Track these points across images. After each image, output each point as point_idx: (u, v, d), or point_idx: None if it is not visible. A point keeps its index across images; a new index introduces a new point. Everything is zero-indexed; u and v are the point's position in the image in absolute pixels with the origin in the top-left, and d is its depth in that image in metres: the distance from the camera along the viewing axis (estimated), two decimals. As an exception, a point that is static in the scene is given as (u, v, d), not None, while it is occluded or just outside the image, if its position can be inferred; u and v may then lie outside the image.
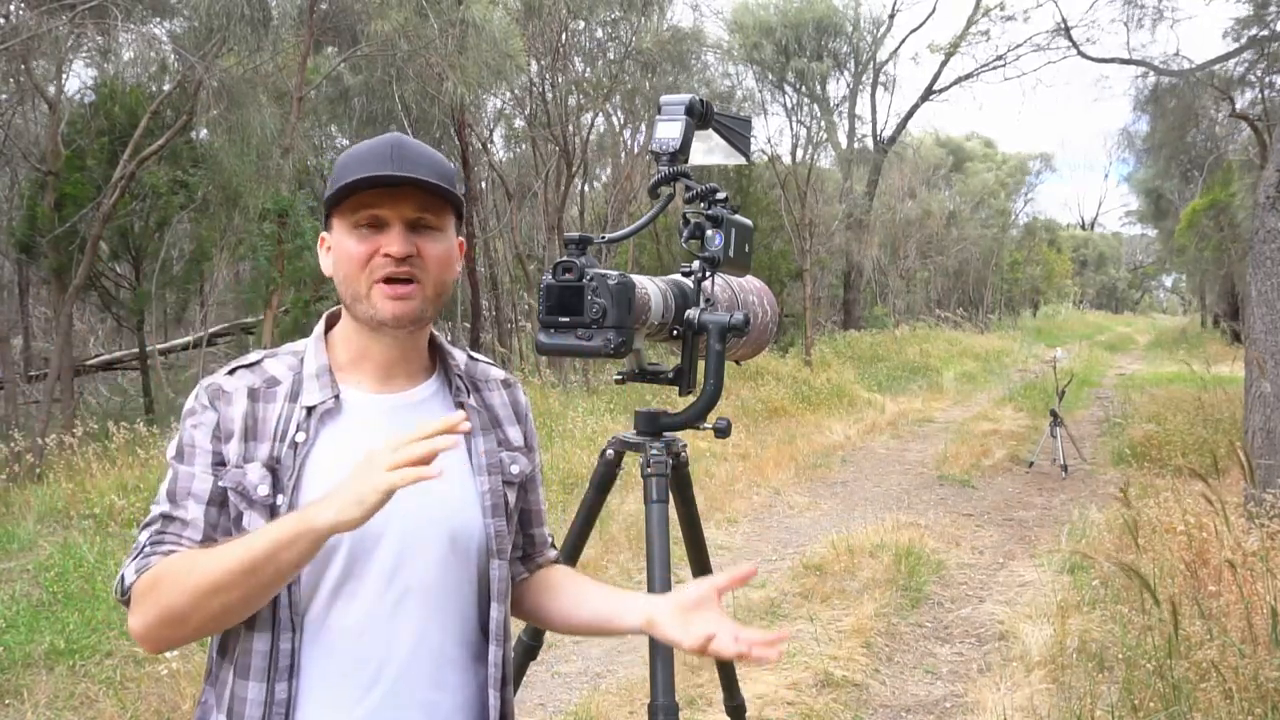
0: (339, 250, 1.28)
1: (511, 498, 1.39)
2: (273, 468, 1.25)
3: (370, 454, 1.11)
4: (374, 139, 1.31)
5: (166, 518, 1.25)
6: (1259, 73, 12.76)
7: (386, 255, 1.25)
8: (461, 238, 1.38)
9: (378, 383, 1.33)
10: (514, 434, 1.44)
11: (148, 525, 1.26)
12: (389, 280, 1.25)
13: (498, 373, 1.49)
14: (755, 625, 4.58)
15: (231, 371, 1.33)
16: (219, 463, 1.26)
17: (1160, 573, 4.01)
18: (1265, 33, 12.02)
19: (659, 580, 1.85)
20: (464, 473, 1.34)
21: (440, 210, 1.29)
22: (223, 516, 1.25)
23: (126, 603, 1.22)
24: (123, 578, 1.23)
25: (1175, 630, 3.06)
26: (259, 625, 1.23)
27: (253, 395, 1.30)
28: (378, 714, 1.25)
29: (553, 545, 1.56)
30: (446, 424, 1.11)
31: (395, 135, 1.31)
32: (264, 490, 1.24)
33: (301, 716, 1.23)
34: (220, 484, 1.25)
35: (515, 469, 1.40)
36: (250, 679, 1.23)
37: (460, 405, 1.37)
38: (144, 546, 1.24)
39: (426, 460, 1.08)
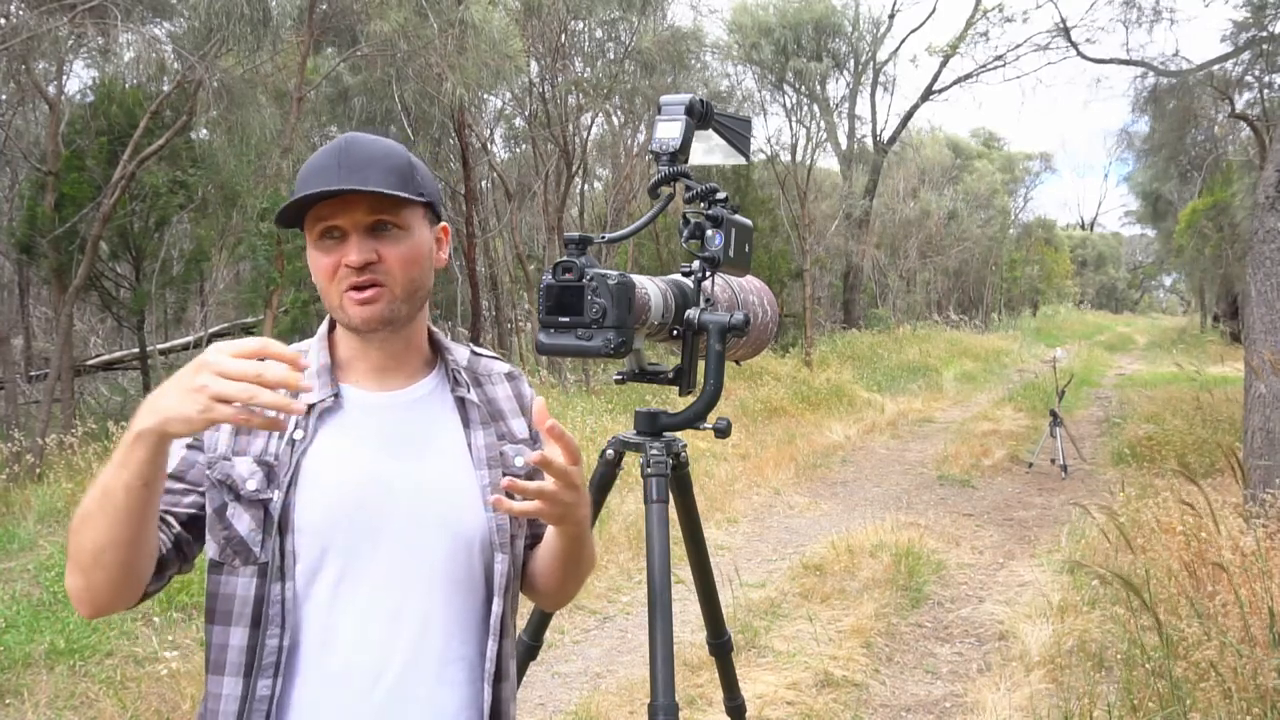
0: (311, 263, 1.30)
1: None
2: (268, 463, 1.26)
3: (204, 360, 1.02)
4: (327, 145, 1.29)
5: None
6: (1257, 72, 12.77)
7: (347, 265, 1.25)
8: (444, 224, 1.37)
9: (374, 382, 1.34)
10: (518, 426, 1.43)
11: None
12: (354, 288, 1.26)
13: (501, 366, 1.49)
14: (755, 626, 4.60)
15: None
16: (195, 445, 1.27)
17: (1150, 575, 4.01)
18: (1263, 33, 12.02)
19: (659, 580, 1.85)
20: (464, 467, 1.34)
21: (398, 208, 1.27)
22: (177, 487, 1.26)
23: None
24: None
25: (1160, 633, 3.06)
26: (236, 620, 1.23)
27: None
28: (382, 712, 1.24)
29: None
30: (293, 359, 1.03)
31: (347, 137, 1.29)
32: (253, 485, 1.24)
33: (304, 716, 1.23)
34: (209, 474, 1.26)
35: (519, 461, 1.40)
36: (225, 674, 1.23)
37: (460, 400, 1.37)
38: None
39: (279, 406, 1.01)
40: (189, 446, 1.28)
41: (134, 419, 1.07)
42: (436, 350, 1.41)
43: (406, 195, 1.26)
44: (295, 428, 1.27)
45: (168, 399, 1.04)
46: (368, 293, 1.25)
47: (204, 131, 10.35)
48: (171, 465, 1.25)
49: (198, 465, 1.28)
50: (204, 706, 1.27)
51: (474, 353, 1.47)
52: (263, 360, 1.03)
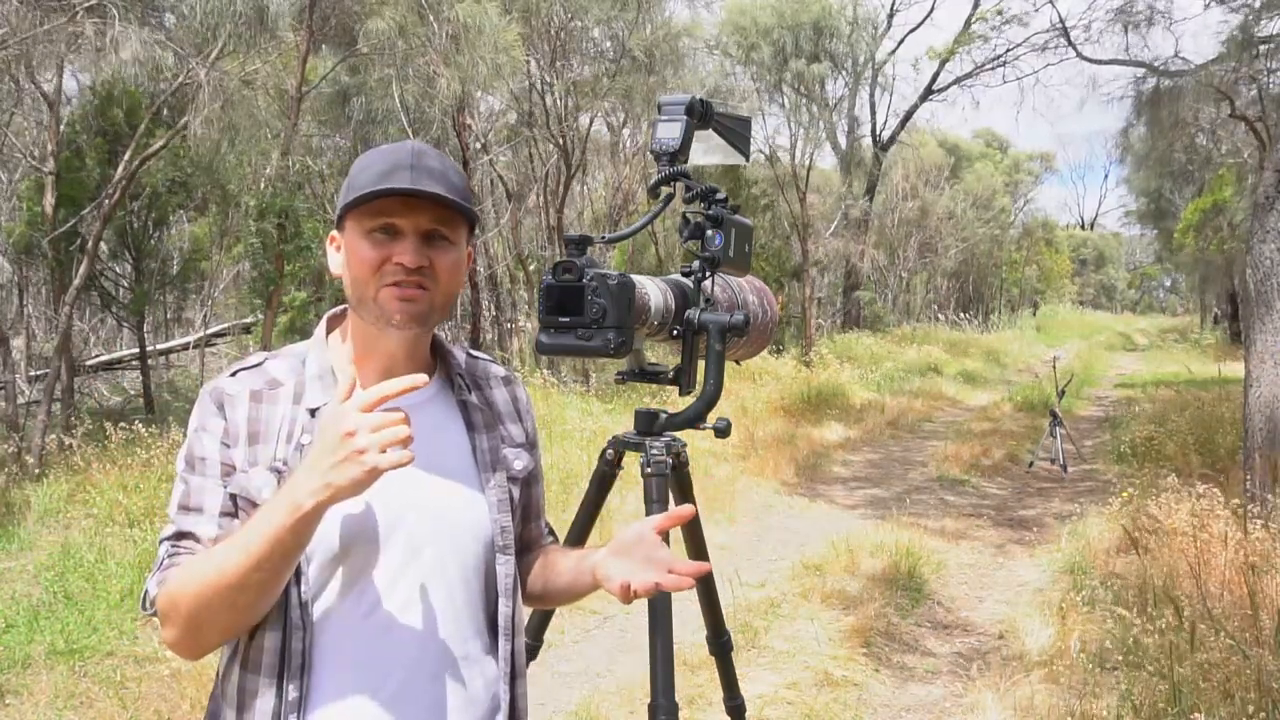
0: (352, 253, 1.29)
1: (516, 494, 1.40)
2: (279, 470, 1.27)
3: (340, 424, 1.10)
4: (394, 145, 1.31)
5: (181, 534, 1.27)
6: (1254, 73, 12.75)
7: (399, 264, 1.26)
8: (471, 248, 1.39)
9: (378, 384, 1.33)
10: (515, 430, 1.45)
11: (165, 539, 1.28)
12: (397, 284, 1.27)
13: (498, 370, 1.50)
14: (755, 626, 4.60)
15: (234, 374, 1.34)
16: (228, 473, 1.28)
17: (1152, 575, 4.01)
18: (1263, 33, 12.02)
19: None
20: (469, 470, 1.35)
21: (454, 223, 1.30)
22: (234, 524, 1.26)
23: (155, 615, 1.25)
24: (146, 592, 1.25)
25: (1186, 633, 3.06)
26: (269, 623, 1.25)
27: (255, 397, 1.31)
28: (388, 709, 1.25)
29: (550, 533, 1.58)
30: (407, 383, 1.13)
31: (415, 144, 1.32)
32: (268, 493, 1.25)
33: (313, 714, 1.24)
34: (229, 492, 1.27)
35: (518, 465, 1.42)
36: (261, 675, 1.25)
37: (462, 403, 1.38)
38: (163, 561, 1.26)
39: (407, 441, 1.11)
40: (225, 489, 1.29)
41: (290, 495, 1.13)
42: (437, 354, 1.42)
43: (472, 210, 1.31)
44: (302, 433, 1.28)
45: (332, 474, 1.10)
46: (411, 292, 1.27)
47: (202, 131, 10.35)
48: (221, 504, 1.27)
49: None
50: (230, 701, 1.28)
51: (470, 355, 1.48)
52: (384, 401, 1.12)
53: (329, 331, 1.39)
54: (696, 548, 2.19)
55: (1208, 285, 28.97)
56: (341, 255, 1.33)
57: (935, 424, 11.91)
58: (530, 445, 1.47)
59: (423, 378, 1.14)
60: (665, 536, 1.31)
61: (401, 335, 1.30)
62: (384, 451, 1.09)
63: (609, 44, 13.62)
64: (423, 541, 1.29)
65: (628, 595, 1.24)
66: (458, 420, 1.38)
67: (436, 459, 1.33)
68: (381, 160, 1.28)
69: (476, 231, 1.42)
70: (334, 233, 1.36)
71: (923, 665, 4.40)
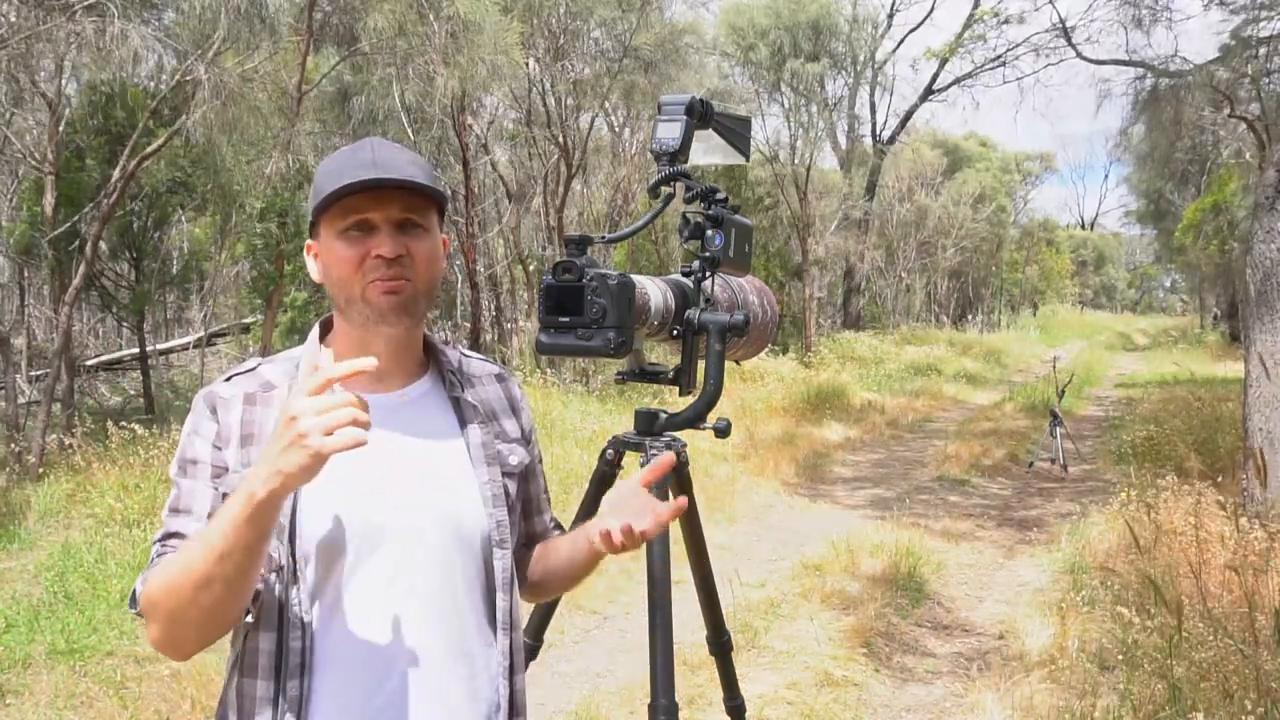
0: (330, 256, 1.30)
1: (512, 488, 1.41)
2: None
3: (291, 412, 1.07)
4: (351, 145, 1.33)
5: (170, 534, 1.27)
6: (1254, 73, 12.74)
7: (378, 256, 1.27)
8: (446, 235, 1.40)
9: (373, 383, 1.34)
10: (510, 426, 1.46)
11: (156, 540, 1.29)
12: (381, 278, 1.28)
13: (491, 367, 1.52)
14: (755, 625, 4.60)
15: (229, 379, 1.36)
16: (220, 474, 1.28)
17: (1153, 575, 4.01)
18: (1266, 34, 12.01)
19: (659, 580, 1.85)
20: (463, 465, 1.36)
21: (424, 209, 1.31)
22: None
23: (142, 615, 1.24)
24: (134, 591, 1.25)
25: (1180, 633, 3.06)
26: (264, 624, 1.25)
27: (249, 400, 1.32)
28: (389, 707, 1.26)
29: (558, 528, 1.59)
30: (354, 366, 1.09)
31: (374, 139, 1.33)
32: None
33: (314, 713, 1.24)
34: (221, 493, 1.27)
35: (513, 460, 1.43)
36: (258, 677, 1.25)
37: (455, 400, 1.39)
38: (152, 561, 1.26)
39: (363, 424, 1.07)
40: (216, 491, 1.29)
41: (246, 486, 1.10)
42: (430, 353, 1.43)
43: (440, 192, 1.32)
44: None
45: (280, 461, 1.07)
46: (395, 284, 1.28)
47: (202, 130, 10.35)
48: (210, 505, 1.26)
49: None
50: (232, 706, 1.28)
51: (464, 354, 1.50)
52: (331, 384, 1.09)
53: (324, 335, 1.39)
54: (696, 546, 2.19)
55: (1208, 285, 28.98)
56: (320, 263, 1.33)
57: (936, 424, 11.91)
58: (526, 440, 1.48)
59: (371, 361, 1.10)
60: (662, 496, 1.32)
61: (390, 333, 1.31)
62: (331, 435, 1.05)
63: (610, 44, 13.61)
64: (418, 538, 1.29)
65: (610, 543, 1.27)
66: (450, 417, 1.39)
67: (430, 455, 1.34)
68: (343, 161, 1.29)
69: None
70: (310, 242, 1.36)
71: (923, 665, 4.40)
